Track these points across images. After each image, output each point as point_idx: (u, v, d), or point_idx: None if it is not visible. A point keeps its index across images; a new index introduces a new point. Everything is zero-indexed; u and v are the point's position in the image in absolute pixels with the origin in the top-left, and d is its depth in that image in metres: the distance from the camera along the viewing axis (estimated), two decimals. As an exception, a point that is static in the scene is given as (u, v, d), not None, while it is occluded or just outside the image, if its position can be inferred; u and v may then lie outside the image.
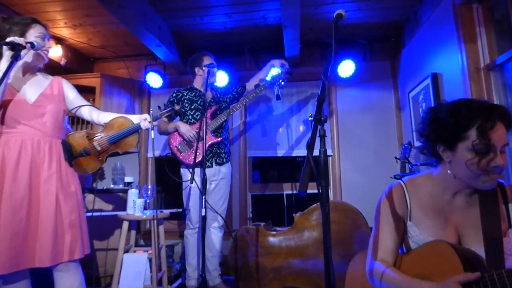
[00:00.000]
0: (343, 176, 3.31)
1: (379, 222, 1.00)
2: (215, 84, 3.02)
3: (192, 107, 2.33)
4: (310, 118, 0.87)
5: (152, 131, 1.74)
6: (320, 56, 3.40)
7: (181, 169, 2.25)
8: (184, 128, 2.23)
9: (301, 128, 3.48)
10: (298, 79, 3.35)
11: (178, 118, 2.39)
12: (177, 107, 1.99)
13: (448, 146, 0.90)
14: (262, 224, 2.35)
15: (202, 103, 2.26)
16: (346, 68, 3.17)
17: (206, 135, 1.77)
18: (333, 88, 3.46)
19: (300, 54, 3.23)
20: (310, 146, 0.84)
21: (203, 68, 2.19)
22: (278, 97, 2.38)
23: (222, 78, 3.31)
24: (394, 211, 0.97)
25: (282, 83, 2.42)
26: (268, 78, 2.66)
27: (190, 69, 2.47)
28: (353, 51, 3.22)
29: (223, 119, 2.30)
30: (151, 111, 1.85)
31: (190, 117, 2.30)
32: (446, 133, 0.90)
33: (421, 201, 0.96)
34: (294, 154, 3.40)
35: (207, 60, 2.38)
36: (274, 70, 3.18)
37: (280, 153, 3.43)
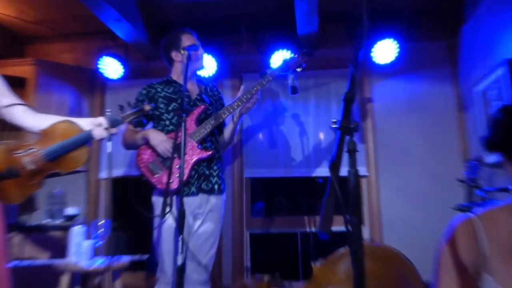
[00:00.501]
0: (384, 207, 3.30)
1: (440, 276, 0.95)
2: (201, 73, 3.05)
3: (170, 108, 2.39)
4: (334, 125, 0.89)
5: (109, 143, 1.76)
6: (346, 34, 3.46)
7: (153, 197, 2.29)
8: (157, 138, 2.27)
9: (322, 136, 3.52)
10: (316, 66, 3.39)
11: (151, 124, 2.43)
12: (147, 107, 2.02)
13: None
14: (266, 278, 2.33)
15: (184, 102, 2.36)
16: (385, 51, 3.19)
17: (184, 146, 1.79)
18: (366, 80, 3.50)
19: (319, 31, 3.27)
20: (334, 165, 0.86)
21: (182, 51, 2.23)
22: (294, 90, 2.46)
23: (208, 66, 3.41)
24: (461, 259, 0.92)
25: (300, 69, 2.49)
26: (276, 65, 2.72)
27: (165, 54, 2.54)
28: (394, 27, 3.24)
29: (213, 125, 2.34)
30: (107, 113, 1.87)
31: (168, 122, 2.36)
32: None
33: (503, 245, 0.91)
34: (312, 174, 3.43)
35: (187, 40, 2.45)
36: (281, 54, 3.26)
37: (292, 172, 3.45)
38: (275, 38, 3.42)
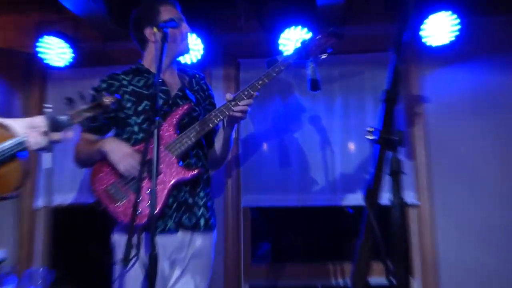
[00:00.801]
0: (441, 249, 3.30)
1: None
2: (184, 59, 3.06)
3: (140, 108, 2.45)
4: (370, 137, 0.90)
5: (48, 155, 1.76)
6: (384, 5, 3.49)
7: (113, 235, 2.32)
8: (118, 151, 2.31)
9: (352, 147, 3.55)
10: (343, 48, 3.38)
11: (114, 131, 2.45)
12: (108, 100, 2.03)
13: None
14: None
15: (159, 99, 2.39)
16: (440, 29, 3.18)
17: (157, 163, 1.80)
18: (414, 70, 3.54)
19: (346, 1, 3.32)
20: (371, 192, 0.87)
21: (156, 28, 2.25)
22: (315, 85, 2.52)
23: (193, 48, 3.44)
24: None
25: (324, 55, 2.54)
26: (288, 49, 2.75)
27: (136, 32, 2.59)
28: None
29: (201, 133, 2.35)
30: (46, 111, 1.87)
31: (136, 128, 2.41)
32: None
33: None
34: (339, 203, 3.46)
35: (167, 13, 2.50)
36: (294, 34, 3.29)
37: (310, 200, 3.49)
38: (285, 11, 3.45)
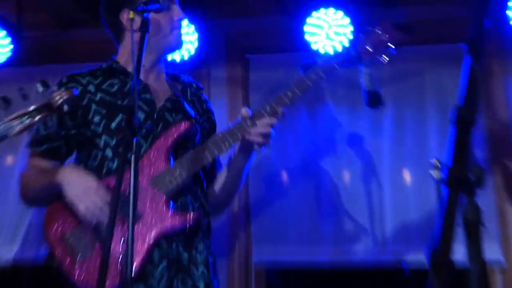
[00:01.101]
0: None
1: None
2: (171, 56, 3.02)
3: (114, 123, 2.43)
4: (435, 173, 0.91)
5: None
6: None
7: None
8: (78, 185, 2.30)
9: (407, 179, 3.57)
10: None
11: (72, 159, 2.47)
12: (58, 97, 1.96)
13: None
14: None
15: (139, 112, 2.36)
16: None
17: (134, 204, 1.78)
18: (498, 71, 3.55)
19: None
20: (437, 254, 0.88)
21: (138, 12, 2.24)
22: (374, 99, 2.50)
23: (185, 40, 3.44)
24: None
25: (385, 58, 2.48)
26: (320, 42, 2.74)
27: (108, 16, 2.61)
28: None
29: (200, 165, 2.35)
30: None
31: (110, 152, 2.40)
32: None
33: None
34: (390, 258, 3.47)
35: None
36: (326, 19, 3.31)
37: (350, 254, 3.49)
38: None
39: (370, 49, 2.45)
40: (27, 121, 1.88)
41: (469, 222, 0.93)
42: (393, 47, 2.45)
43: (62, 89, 2.39)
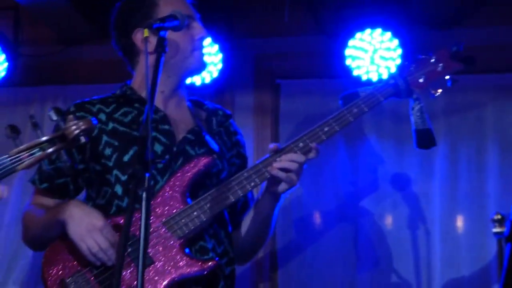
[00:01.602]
0: None
1: None
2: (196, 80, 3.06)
3: (126, 157, 2.44)
4: (497, 228, 0.90)
5: None
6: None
7: None
8: (82, 222, 2.31)
9: (460, 227, 3.51)
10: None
11: (82, 195, 2.51)
12: (75, 127, 1.95)
13: None
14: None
15: (157, 145, 2.39)
16: None
17: (144, 246, 1.77)
18: None
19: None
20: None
21: (147, 31, 2.24)
22: (425, 139, 2.47)
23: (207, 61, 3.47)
24: None
25: (438, 92, 2.45)
26: (363, 68, 2.74)
27: (120, 36, 2.60)
28: None
29: (222, 205, 2.37)
30: None
31: (120, 189, 2.41)
32: None
33: None
34: None
35: (167, 5, 2.52)
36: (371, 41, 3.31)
37: None
38: (355, 3, 3.51)
39: (422, 82, 2.43)
40: (38, 154, 1.86)
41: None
42: (450, 80, 2.42)
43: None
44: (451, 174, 3.57)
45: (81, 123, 1.84)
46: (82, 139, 1.87)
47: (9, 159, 1.86)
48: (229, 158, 2.54)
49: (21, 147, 1.87)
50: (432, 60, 2.44)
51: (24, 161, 1.86)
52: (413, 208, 3.55)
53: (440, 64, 2.42)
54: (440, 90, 2.43)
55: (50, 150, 1.85)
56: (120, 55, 2.56)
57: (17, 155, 1.85)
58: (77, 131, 1.82)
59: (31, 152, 1.84)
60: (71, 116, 1.91)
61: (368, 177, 3.64)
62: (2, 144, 2.02)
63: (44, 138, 1.87)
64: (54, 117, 2.02)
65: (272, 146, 2.35)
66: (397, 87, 2.42)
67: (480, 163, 3.56)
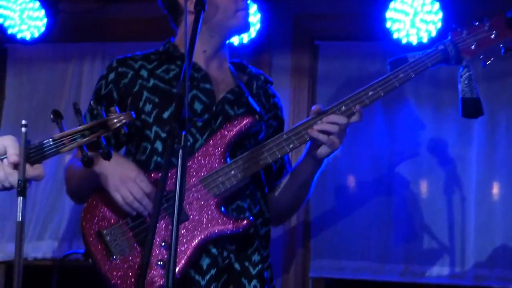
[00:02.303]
0: None
1: None
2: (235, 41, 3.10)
3: (166, 113, 2.45)
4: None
5: (20, 201, 1.77)
6: None
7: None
8: (116, 173, 2.33)
9: (496, 194, 3.53)
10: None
11: (124, 149, 2.57)
12: (120, 120, 1.98)
13: None
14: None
15: (197, 103, 2.39)
16: None
17: (180, 201, 1.79)
18: None
19: None
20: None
21: None
22: (472, 108, 2.47)
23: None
24: None
25: (489, 60, 2.43)
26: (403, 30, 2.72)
27: None
28: None
29: (259, 166, 2.38)
30: (22, 129, 1.90)
31: (160, 145, 2.44)
32: None
33: None
34: (470, 283, 3.46)
35: None
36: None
37: (424, 275, 3.50)
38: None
39: (474, 49, 2.40)
40: (79, 140, 1.91)
41: None
42: (504, 48, 2.39)
43: (111, 75, 2.48)
44: (489, 141, 3.54)
45: (122, 117, 1.92)
46: (123, 131, 1.95)
47: (52, 142, 1.91)
48: (267, 120, 2.56)
49: (64, 133, 1.94)
50: (486, 27, 2.40)
51: (66, 145, 1.91)
52: (449, 174, 3.55)
53: (494, 31, 2.40)
54: (492, 58, 2.39)
55: (91, 136, 1.90)
56: (165, 13, 2.57)
57: (60, 139, 1.91)
58: (118, 124, 1.91)
59: (73, 138, 1.90)
60: (113, 108, 1.99)
61: (405, 142, 3.63)
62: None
63: (85, 126, 1.94)
64: (53, 120, 2.09)
65: (314, 107, 2.37)
66: (447, 54, 2.41)
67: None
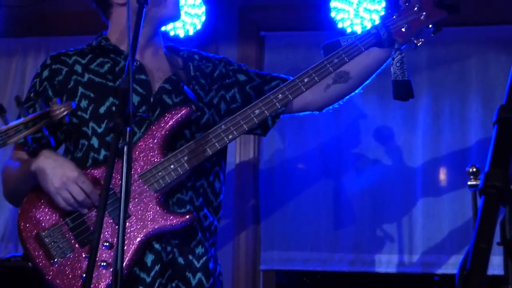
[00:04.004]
0: None
1: None
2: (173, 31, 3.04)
3: (103, 108, 2.45)
4: (472, 181, 0.90)
5: None
6: None
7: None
8: (56, 173, 2.29)
9: (442, 180, 3.57)
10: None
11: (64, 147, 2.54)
12: (59, 111, 1.98)
13: None
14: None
15: (134, 96, 2.35)
16: None
17: (125, 199, 1.76)
18: None
19: None
20: (470, 274, 0.87)
21: None
22: (403, 91, 2.48)
23: (190, 13, 3.49)
24: None
25: (419, 42, 2.45)
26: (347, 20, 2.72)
27: None
28: None
29: (204, 156, 2.38)
30: None
31: (96, 142, 2.43)
32: None
33: None
34: (418, 270, 3.50)
35: None
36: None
37: (372, 264, 3.53)
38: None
39: (404, 31, 2.42)
40: (25, 131, 2.00)
41: (509, 239, 0.92)
42: (433, 29, 2.43)
43: (45, 72, 2.46)
44: (433, 126, 3.59)
45: (63, 108, 2.02)
46: (65, 120, 2.06)
47: None
48: (209, 101, 2.53)
49: (9, 126, 1.96)
50: (416, 9, 2.42)
51: (11, 137, 2.00)
52: (395, 161, 3.59)
53: (424, 13, 2.42)
54: (422, 40, 2.42)
55: (36, 127, 1.99)
56: (94, 6, 2.56)
57: (5, 131, 1.99)
58: (61, 115, 2.01)
59: (18, 129, 1.98)
60: (54, 99, 2.03)
61: (350, 130, 3.66)
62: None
63: (28, 118, 1.97)
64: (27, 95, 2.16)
65: None
66: (379, 37, 2.43)
67: (463, 116, 3.58)
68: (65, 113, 2.04)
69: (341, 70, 2.49)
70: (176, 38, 3.44)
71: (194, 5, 3.47)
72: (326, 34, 3.55)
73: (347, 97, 2.62)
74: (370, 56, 2.48)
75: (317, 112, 2.64)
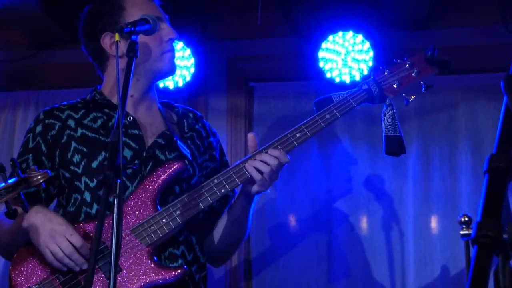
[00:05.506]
0: None
1: None
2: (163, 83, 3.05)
3: (95, 163, 2.44)
4: (464, 230, 0.90)
5: None
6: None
7: None
8: (45, 227, 2.29)
9: (433, 228, 3.56)
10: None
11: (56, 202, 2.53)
12: (37, 178, 1.99)
13: None
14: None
15: (126, 150, 2.39)
16: None
17: (115, 255, 1.75)
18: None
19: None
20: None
21: (124, 34, 2.21)
22: (395, 146, 2.49)
23: (179, 65, 3.42)
24: None
25: (412, 97, 2.45)
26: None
27: (89, 40, 2.60)
28: None
29: (195, 210, 2.37)
30: None
31: (89, 196, 2.42)
32: None
33: None
34: None
35: (135, 9, 2.50)
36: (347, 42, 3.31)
37: None
38: (328, 5, 3.52)
39: (396, 88, 2.44)
40: (5, 197, 2.01)
41: (502, 288, 0.91)
42: (424, 85, 2.43)
43: (39, 127, 2.46)
44: (424, 174, 3.61)
45: (39, 175, 2.06)
46: (43, 185, 2.13)
47: None
48: (201, 163, 2.55)
49: None
50: (407, 65, 2.45)
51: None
52: (387, 209, 3.59)
53: (415, 69, 2.44)
54: (413, 96, 2.42)
55: (15, 192, 2.03)
56: (90, 59, 2.56)
57: None
58: (38, 182, 2.06)
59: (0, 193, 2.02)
60: (33, 167, 2.14)
61: (341, 179, 3.67)
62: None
63: (8, 183, 2.02)
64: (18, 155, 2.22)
65: (249, 135, 2.40)
66: (371, 93, 2.45)
67: (453, 164, 3.60)
68: (41, 180, 2.10)
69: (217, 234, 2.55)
70: (165, 89, 3.45)
71: (183, 57, 3.49)
72: (314, 84, 3.60)
73: (226, 257, 2.68)
74: (233, 212, 2.49)
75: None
